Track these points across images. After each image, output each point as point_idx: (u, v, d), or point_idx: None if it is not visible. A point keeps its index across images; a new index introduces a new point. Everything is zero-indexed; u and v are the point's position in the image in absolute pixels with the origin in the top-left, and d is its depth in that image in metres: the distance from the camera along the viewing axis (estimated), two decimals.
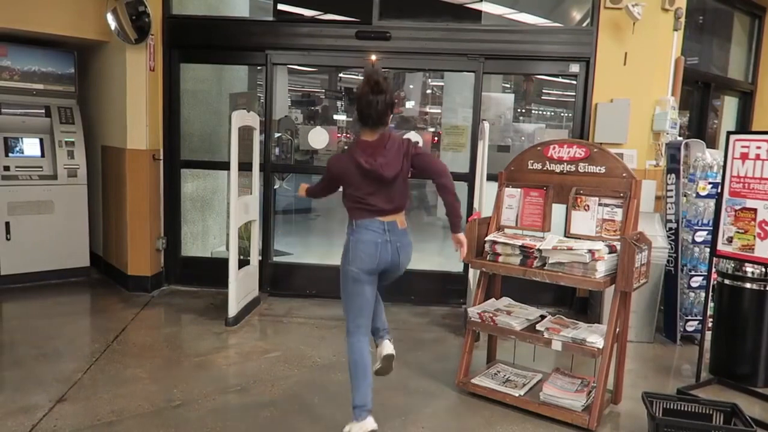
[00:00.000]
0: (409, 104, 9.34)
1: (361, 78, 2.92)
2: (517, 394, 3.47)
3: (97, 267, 5.97)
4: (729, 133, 3.78)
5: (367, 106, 2.83)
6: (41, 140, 5.61)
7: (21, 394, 3.40)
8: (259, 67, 6.49)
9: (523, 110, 9.15)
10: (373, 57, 5.25)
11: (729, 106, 7.21)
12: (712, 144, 6.47)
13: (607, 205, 3.44)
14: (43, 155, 5.61)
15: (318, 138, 5.15)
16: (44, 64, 5.56)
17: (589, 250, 3.24)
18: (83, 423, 3.11)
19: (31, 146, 5.58)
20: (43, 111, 5.61)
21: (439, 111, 8.90)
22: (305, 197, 3.44)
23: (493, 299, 3.86)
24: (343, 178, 2.97)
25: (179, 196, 5.67)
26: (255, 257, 5.22)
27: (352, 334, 3.03)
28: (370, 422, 2.96)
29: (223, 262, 4.72)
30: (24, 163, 5.49)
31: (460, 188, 5.64)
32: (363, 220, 2.94)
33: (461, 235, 3.07)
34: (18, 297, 5.18)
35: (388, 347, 3.25)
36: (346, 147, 7.42)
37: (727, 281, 4.01)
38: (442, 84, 8.64)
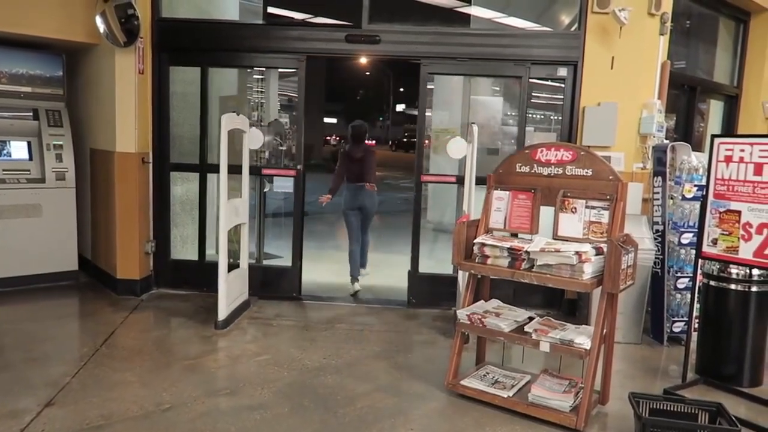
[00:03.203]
0: (400, 107, 9.36)
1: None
2: (505, 396, 3.49)
3: (85, 270, 5.93)
4: (714, 136, 3.84)
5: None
6: (29, 143, 5.57)
7: (9, 398, 3.38)
8: (248, 71, 6.49)
9: (513, 113, 9.20)
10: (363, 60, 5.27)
11: (715, 110, 7.30)
12: (698, 147, 6.54)
13: (594, 208, 3.48)
14: (31, 158, 5.57)
15: (255, 138, 5.15)
16: (32, 67, 5.53)
17: (576, 252, 3.27)
18: (72, 427, 3.09)
19: (18, 149, 5.54)
20: (31, 114, 5.57)
21: (429, 113, 8.91)
22: (332, 198, 5.92)
23: (482, 301, 3.89)
24: (343, 160, 5.94)
25: (169, 199, 5.65)
26: (245, 260, 5.21)
27: (351, 244, 5.94)
28: (356, 286, 5.83)
29: (213, 266, 4.71)
30: (12, 167, 5.45)
31: (450, 190, 5.70)
32: (348, 183, 5.88)
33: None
34: (6, 301, 5.14)
35: (356, 286, 5.83)
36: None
37: (712, 282, 4.06)
38: (431, 87, 8.66)
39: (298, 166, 5.48)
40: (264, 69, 6.29)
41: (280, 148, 5.81)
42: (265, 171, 5.59)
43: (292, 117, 5.88)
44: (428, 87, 5.70)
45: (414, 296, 5.51)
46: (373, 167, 5.94)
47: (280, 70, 6.28)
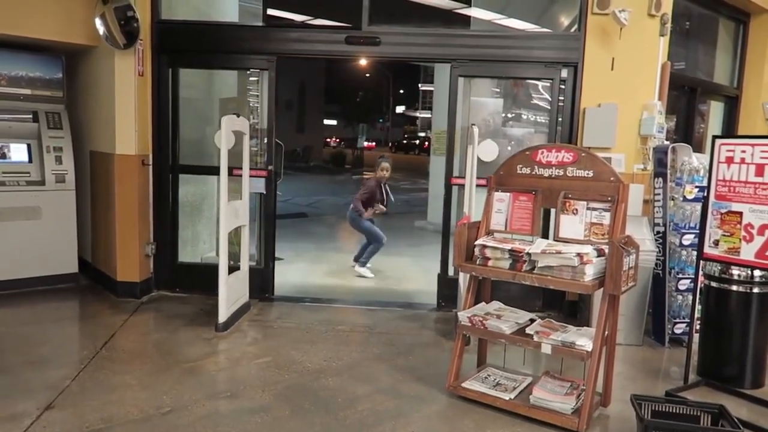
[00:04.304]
0: (399, 109, 9.38)
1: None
2: (507, 398, 3.48)
3: (85, 273, 5.92)
4: (715, 137, 3.83)
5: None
6: (29, 146, 5.56)
7: (8, 401, 3.37)
8: (248, 72, 6.49)
9: (513, 114, 9.19)
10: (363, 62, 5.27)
11: (715, 111, 7.29)
12: (698, 148, 6.54)
13: (595, 209, 3.47)
14: (30, 161, 5.56)
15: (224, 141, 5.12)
16: (32, 69, 5.52)
17: (578, 254, 3.26)
18: (71, 430, 3.08)
19: (18, 152, 5.53)
20: (31, 116, 5.56)
21: (429, 115, 8.93)
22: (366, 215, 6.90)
23: (483, 303, 3.88)
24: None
25: (168, 202, 5.64)
26: (245, 262, 5.20)
27: None
28: (358, 269, 6.69)
29: (213, 268, 4.70)
30: (11, 169, 5.44)
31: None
32: None
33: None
34: (5, 304, 5.13)
35: (356, 270, 6.68)
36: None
37: (714, 284, 4.05)
38: (431, 89, 8.68)
39: (269, 167, 5.46)
40: (258, 70, 6.29)
41: (253, 148, 5.80)
42: (237, 171, 5.45)
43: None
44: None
45: (443, 299, 5.48)
46: (361, 195, 6.92)
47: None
